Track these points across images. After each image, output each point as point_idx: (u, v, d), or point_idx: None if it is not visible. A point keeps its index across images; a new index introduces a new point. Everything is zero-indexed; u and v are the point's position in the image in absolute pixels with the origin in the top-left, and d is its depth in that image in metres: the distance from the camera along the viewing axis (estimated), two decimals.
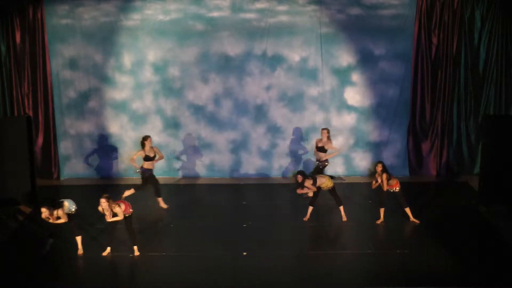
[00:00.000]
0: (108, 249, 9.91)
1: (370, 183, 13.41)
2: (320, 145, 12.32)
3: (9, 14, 13.18)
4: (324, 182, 11.04)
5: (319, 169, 12.33)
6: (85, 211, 11.77)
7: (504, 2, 13.18)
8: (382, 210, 11.21)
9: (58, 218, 9.69)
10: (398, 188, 11.02)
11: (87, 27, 13.46)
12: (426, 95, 13.78)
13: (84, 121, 13.92)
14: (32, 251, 10.01)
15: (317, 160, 12.45)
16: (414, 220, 11.16)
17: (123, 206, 9.70)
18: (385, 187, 10.91)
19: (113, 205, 9.57)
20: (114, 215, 9.62)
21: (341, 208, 11.28)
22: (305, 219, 11.28)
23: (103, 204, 9.51)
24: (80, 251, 9.91)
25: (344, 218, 11.25)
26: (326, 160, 12.39)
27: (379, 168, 10.95)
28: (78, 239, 9.95)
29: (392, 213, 11.31)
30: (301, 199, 11.95)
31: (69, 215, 9.84)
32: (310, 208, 11.29)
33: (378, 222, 11.19)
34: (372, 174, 12.77)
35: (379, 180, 10.97)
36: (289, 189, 13.17)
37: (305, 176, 10.94)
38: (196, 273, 9.38)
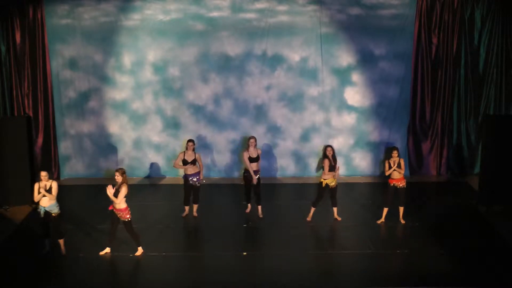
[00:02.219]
0: (108, 249, 9.90)
1: (370, 183, 13.60)
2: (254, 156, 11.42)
3: (9, 14, 13.16)
4: (331, 179, 11.04)
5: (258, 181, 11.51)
6: (85, 211, 11.80)
7: (504, 2, 13.18)
8: (385, 210, 11.20)
9: (49, 191, 9.59)
10: (403, 185, 11.03)
11: (87, 27, 13.45)
12: (426, 95, 13.77)
13: (84, 121, 13.91)
14: (32, 251, 10.00)
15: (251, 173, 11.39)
16: (402, 220, 11.14)
17: (125, 205, 9.68)
18: (403, 169, 10.91)
19: (124, 184, 9.51)
20: (116, 193, 9.55)
21: (335, 209, 11.29)
22: (308, 219, 11.27)
23: (117, 177, 9.53)
24: (63, 252, 9.89)
25: (338, 218, 11.28)
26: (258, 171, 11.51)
27: (395, 153, 10.94)
28: (61, 241, 9.89)
29: (393, 213, 11.29)
30: (301, 199, 11.93)
31: (49, 214, 9.73)
32: (313, 209, 11.28)
33: (379, 221, 11.19)
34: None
35: (393, 166, 10.89)
36: (289, 189, 13.16)
37: (334, 152, 11.07)
38: (196, 273, 9.39)
